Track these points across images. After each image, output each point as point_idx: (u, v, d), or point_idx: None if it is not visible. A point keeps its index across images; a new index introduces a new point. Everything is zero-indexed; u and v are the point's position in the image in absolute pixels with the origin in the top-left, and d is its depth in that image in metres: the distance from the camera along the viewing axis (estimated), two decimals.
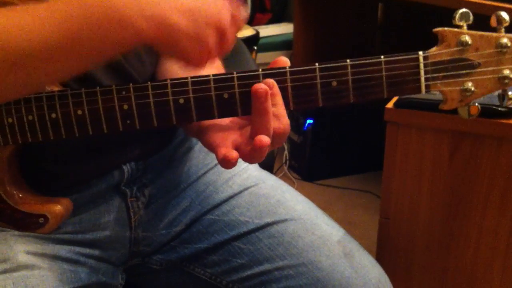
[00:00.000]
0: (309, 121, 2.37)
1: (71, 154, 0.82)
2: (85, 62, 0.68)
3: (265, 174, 0.97)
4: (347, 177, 2.46)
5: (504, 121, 1.05)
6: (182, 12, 0.65)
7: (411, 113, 1.11)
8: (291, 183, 2.24)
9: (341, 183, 2.43)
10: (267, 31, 2.71)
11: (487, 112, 1.05)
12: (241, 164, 0.96)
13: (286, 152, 2.53)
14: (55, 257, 0.80)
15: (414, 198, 1.15)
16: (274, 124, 0.68)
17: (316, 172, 2.46)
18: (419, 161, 1.13)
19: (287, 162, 2.52)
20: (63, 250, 0.81)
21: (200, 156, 0.95)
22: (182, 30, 0.65)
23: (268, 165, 1.31)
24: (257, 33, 2.36)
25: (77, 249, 0.83)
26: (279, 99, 0.68)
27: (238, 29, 0.71)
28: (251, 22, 2.76)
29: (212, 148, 0.71)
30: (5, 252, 0.77)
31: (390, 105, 1.13)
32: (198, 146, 0.96)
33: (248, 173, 0.95)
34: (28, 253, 0.78)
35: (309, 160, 2.45)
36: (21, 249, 0.77)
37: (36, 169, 0.80)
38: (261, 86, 0.67)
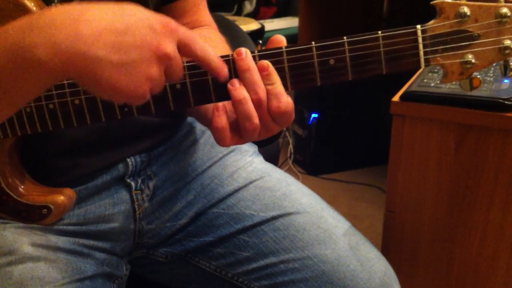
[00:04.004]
0: (314, 115, 2.37)
1: (75, 147, 0.82)
2: None
3: (270, 167, 0.97)
4: (352, 171, 2.46)
5: (510, 114, 1.04)
6: (99, 35, 0.55)
7: (417, 106, 1.10)
8: (296, 177, 2.24)
9: (346, 177, 2.42)
10: (272, 25, 2.71)
11: (493, 105, 1.04)
12: (246, 158, 0.96)
13: (290, 146, 2.53)
14: (60, 249, 0.80)
15: (420, 192, 1.15)
16: (273, 103, 0.68)
17: (321, 166, 2.46)
18: (425, 154, 1.13)
19: (292, 156, 2.52)
20: (67, 242, 0.81)
21: (205, 149, 0.95)
22: (101, 59, 0.55)
23: (273, 159, 1.31)
24: (262, 27, 2.36)
25: (82, 241, 0.83)
26: (275, 77, 0.68)
27: (196, 53, 0.63)
28: (256, 16, 2.75)
29: None
30: (10, 244, 0.77)
31: (396, 98, 1.12)
32: (203, 139, 0.96)
33: (253, 166, 0.95)
34: (33, 245, 0.78)
35: (314, 154, 2.44)
36: (25, 241, 0.78)
37: (40, 162, 0.80)
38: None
